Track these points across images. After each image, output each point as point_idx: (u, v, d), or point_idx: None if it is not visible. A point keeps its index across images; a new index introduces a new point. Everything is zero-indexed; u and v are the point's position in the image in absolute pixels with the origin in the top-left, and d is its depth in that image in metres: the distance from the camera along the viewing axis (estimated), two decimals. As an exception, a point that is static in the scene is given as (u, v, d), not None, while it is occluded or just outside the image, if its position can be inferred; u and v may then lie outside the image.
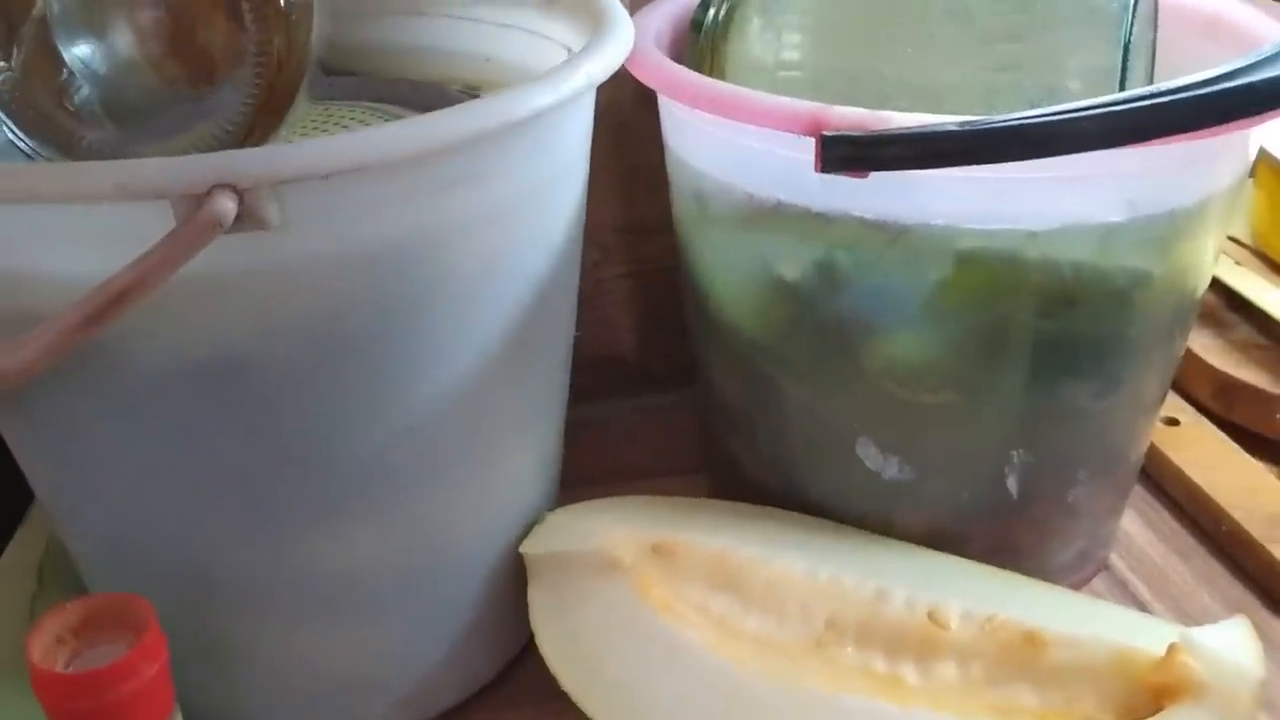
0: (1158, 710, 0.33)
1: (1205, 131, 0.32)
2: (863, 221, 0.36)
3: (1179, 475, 0.51)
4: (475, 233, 0.31)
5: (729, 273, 0.42)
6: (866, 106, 0.40)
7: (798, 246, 0.38)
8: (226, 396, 0.30)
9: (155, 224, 0.26)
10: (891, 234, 0.36)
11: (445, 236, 0.30)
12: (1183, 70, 0.44)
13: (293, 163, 0.26)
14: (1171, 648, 0.34)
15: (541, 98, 0.29)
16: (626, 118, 0.51)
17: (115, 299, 0.25)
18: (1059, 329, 0.38)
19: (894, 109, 0.40)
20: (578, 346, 0.43)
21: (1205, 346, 0.55)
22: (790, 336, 0.41)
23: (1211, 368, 0.54)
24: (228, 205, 0.25)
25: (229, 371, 0.30)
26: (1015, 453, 0.40)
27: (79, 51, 0.31)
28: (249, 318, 0.29)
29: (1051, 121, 0.31)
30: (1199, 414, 0.54)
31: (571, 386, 0.43)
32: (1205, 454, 0.51)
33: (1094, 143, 0.31)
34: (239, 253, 0.27)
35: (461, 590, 0.38)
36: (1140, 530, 0.50)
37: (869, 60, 0.41)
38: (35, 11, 0.30)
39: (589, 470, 0.52)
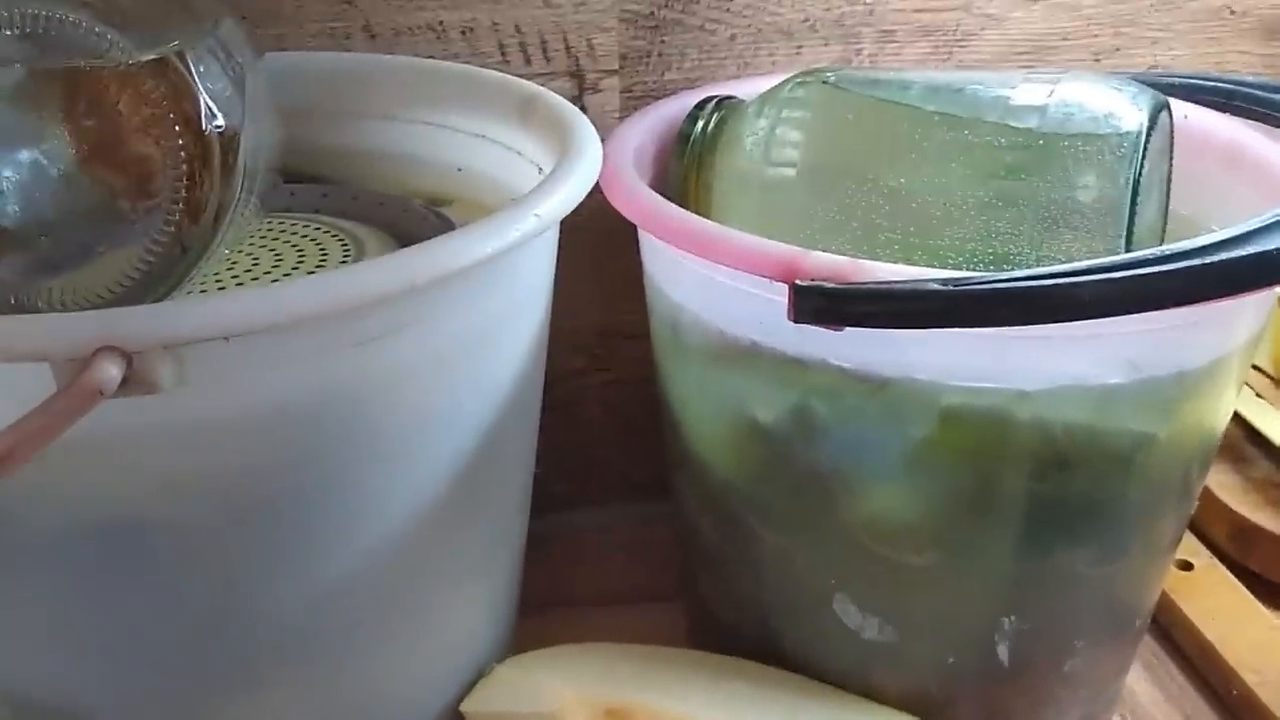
0: None
1: (1214, 301, 0.29)
2: (841, 371, 0.34)
3: (1190, 628, 0.47)
4: (405, 386, 0.29)
5: (703, 408, 0.39)
6: (856, 234, 0.38)
7: (773, 390, 0.36)
8: (126, 559, 0.28)
9: (36, 383, 0.23)
10: (872, 386, 0.33)
11: (369, 392, 0.28)
12: (1200, 201, 0.42)
13: (187, 323, 0.23)
14: None
15: (481, 246, 0.27)
16: (613, 222, 0.49)
17: (-16, 470, 0.23)
18: (1052, 492, 0.35)
19: (884, 238, 0.38)
20: (557, 452, 0.41)
21: (1222, 484, 0.52)
22: (764, 481, 0.38)
23: (1228, 509, 0.51)
24: (111, 372, 0.23)
25: (127, 534, 0.27)
26: (1006, 619, 0.37)
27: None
28: (146, 479, 0.27)
29: (1043, 286, 0.28)
30: (1214, 557, 0.51)
31: (549, 494, 0.41)
32: (1219, 605, 0.48)
33: (1090, 311, 0.28)
34: (132, 414, 0.25)
35: (393, 753, 0.35)
36: (1146, 688, 0.46)
37: (862, 189, 0.38)
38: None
39: (559, 591, 0.49)
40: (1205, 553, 0.51)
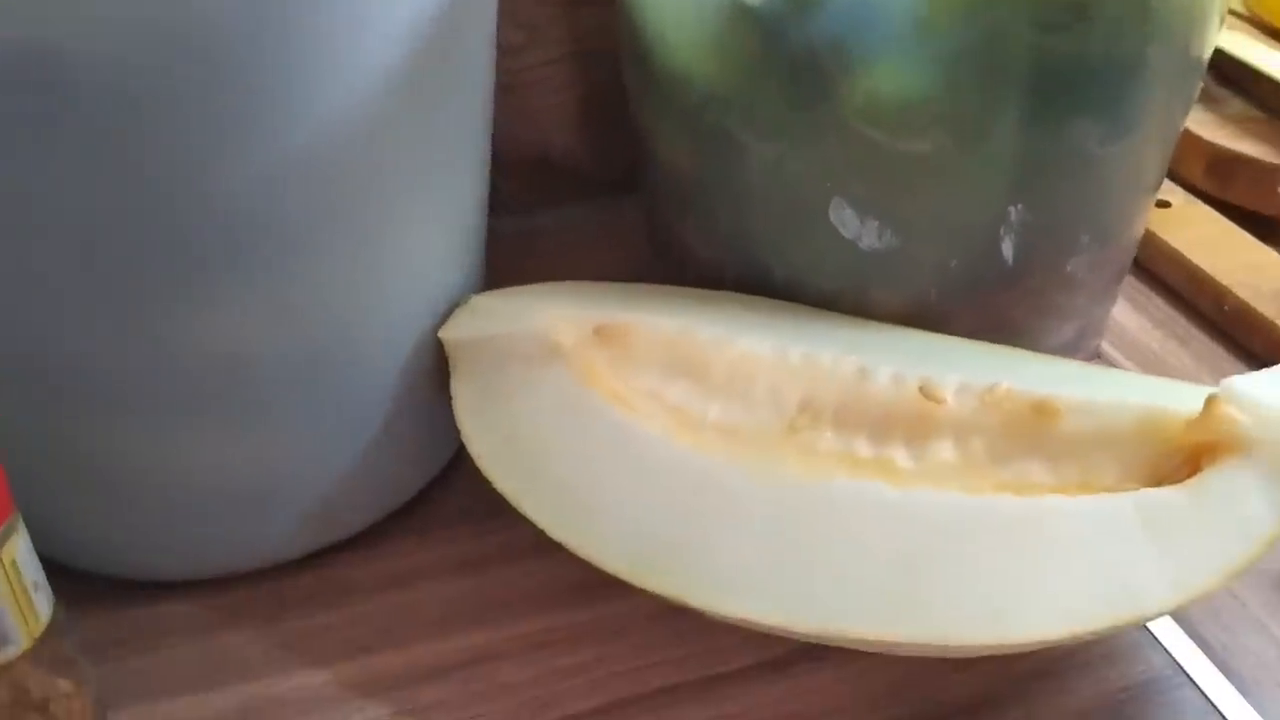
0: (1193, 474, 0.28)
1: None
2: (838, -83, 0.30)
3: (1174, 257, 0.46)
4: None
5: (680, 7, 0.35)
6: None
7: (760, -40, 0.32)
8: (38, 108, 0.23)
9: None
10: (873, -70, 0.30)
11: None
12: None
13: None
14: (1210, 400, 0.29)
15: None
16: None
17: None
18: (1067, 48, 0.32)
19: None
20: (499, 147, 0.37)
21: (1198, 121, 0.50)
22: (753, 79, 0.34)
23: (1206, 142, 0.49)
24: None
25: (39, 70, 0.23)
26: (1013, 209, 0.35)
27: None
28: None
29: None
30: (1191, 195, 0.49)
31: (495, 192, 0.37)
32: (1202, 234, 0.47)
33: None
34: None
35: (370, 384, 0.32)
36: (1131, 317, 0.45)
37: None
38: None
39: (520, 278, 0.46)
40: (1182, 192, 0.49)
